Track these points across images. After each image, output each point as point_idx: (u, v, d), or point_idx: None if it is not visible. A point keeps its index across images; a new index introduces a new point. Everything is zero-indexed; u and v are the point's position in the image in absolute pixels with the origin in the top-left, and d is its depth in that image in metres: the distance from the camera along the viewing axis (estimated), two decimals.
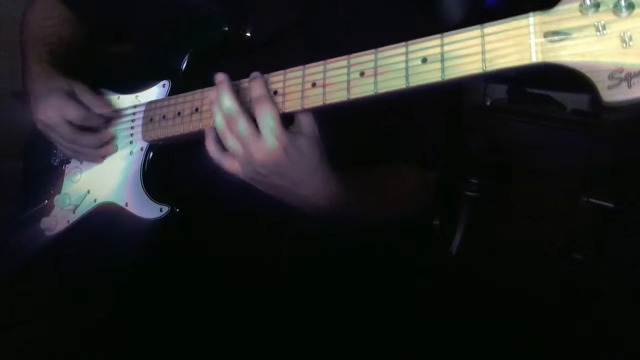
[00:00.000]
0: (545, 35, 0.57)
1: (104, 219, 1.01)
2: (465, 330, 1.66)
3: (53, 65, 1.07)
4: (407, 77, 0.66)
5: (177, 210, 0.92)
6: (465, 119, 1.98)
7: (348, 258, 1.04)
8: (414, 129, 0.97)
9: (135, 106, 1.02)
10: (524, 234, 2.03)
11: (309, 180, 0.78)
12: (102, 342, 0.96)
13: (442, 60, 0.63)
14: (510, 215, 2.09)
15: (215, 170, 0.81)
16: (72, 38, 1.17)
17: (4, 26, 1.79)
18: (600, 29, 0.54)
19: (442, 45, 0.64)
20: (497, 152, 2.11)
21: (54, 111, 0.99)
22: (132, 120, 1.01)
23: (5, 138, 1.47)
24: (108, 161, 1.04)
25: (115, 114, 1.04)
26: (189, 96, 0.90)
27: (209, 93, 0.80)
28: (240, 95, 0.78)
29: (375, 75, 0.69)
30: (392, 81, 0.67)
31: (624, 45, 0.53)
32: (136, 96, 1.03)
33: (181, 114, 0.90)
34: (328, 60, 0.73)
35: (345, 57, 0.72)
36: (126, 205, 0.97)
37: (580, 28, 0.56)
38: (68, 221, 1.06)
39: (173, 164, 0.99)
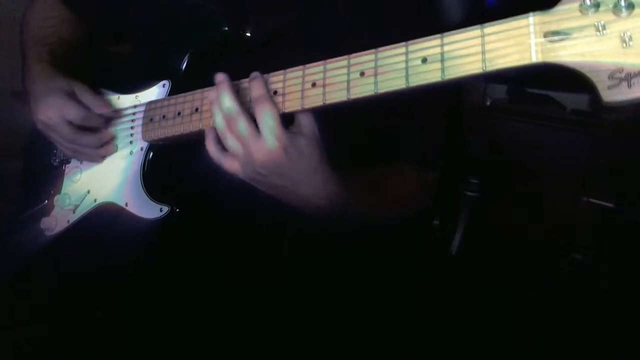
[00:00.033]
0: (545, 35, 0.57)
1: (104, 219, 1.01)
2: (465, 330, 1.66)
3: (53, 65, 1.07)
4: (407, 77, 0.66)
5: (177, 210, 0.92)
6: (465, 119, 1.97)
7: (348, 258, 1.04)
8: (414, 129, 0.97)
9: (135, 106, 1.02)
10: (524, 234, 2.03)
11: (309, 180, 0.78)
12: (102, 342, 0.96)
13: (442, 60, 0.63)
14: (510, 215, 2.09)
15: (215, 170, 0.81)
16: (72, 38, 1.17)
17: (4, 26, 1.79)
18: (600, 29, 0.54)
19: (442, 45, 0.64)
20: (497, 152, 2.11)
21: (54, 111, 0.99)
22: (132, 121, 1.01)
23: (5, 138, 1.47)
24: (108, 161, 1.04)
25: (115, 114, 1.04)
26: (188, 96, 0.90)
27: (209, 93, 0.80)
28: (240, 95, 0.77)
29: (375, 75, 0.68)
30: (392, 81, 0.67)
31: (624, 45, 0.53)
32: (136, 96, 1.03)
33: (181, 114, 0.90)
34: (328, 60, 0.73)
35: (345, 57, 0.72)
36: (126, 205, 0.97)
37: (580, 28, 0.56)
38: (68, 221, 1.06)
39: (173, 164, 0.99)
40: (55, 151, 1.14)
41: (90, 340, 0.96)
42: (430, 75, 0.64)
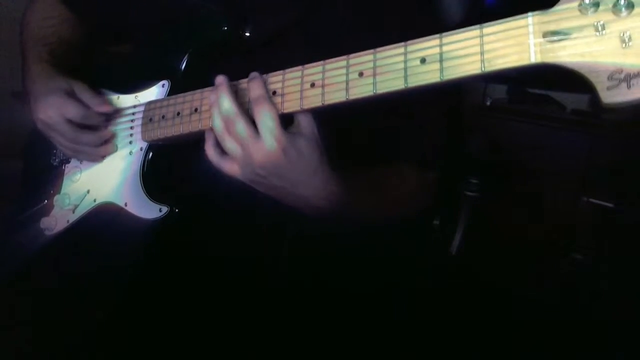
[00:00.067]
0: (545, 35, 0.57)
1: (104, 219, 1.01)
2: (465, 330, 1.66)
3: (53, 65, 1.07)
4: (405, 77, 0.66)
5: (177, 210, 0.92)
6: (465, 119, 1.98)
7: (348, 258, 1.04)
8: (414, 129, 0.97)
9: (134, 106, 1.02)
10: (524, 234, 2.03)
11: (308, 181, 0.77)
12: (102, 342, 0.96)
13: (441, 61, 0.63)
14: (510, 215, 2.09)
15: (215, 171, 0.81)
16: (72, 38, 1.17)
17: (4, 26, 1.79)
18: (600, 29, 0.54)
19: (440, 46, 0.63)
20: (497, 152, 2.11)
21: (53, 110, 0.99)
22: (132, 120, 1.01)
23: (5, 138, 1.47)
24: (107, 161, 1.04)
25: (115, 114, 1.04)
26: (188, 96, 0.90)
27: (208, 95, 0.80)
28: (239, 96, 0.77)
29: (374, 75, 0.68)
30: (391, 82, 0.67)
31: (624, 45, 0.53)
32: (136, 96, 1.03)
33: (180, 114, 0.90)
34: (327, 61, 0.73)
35: (344, 57, 0.71)
36: (125, 205, 0.97)
37: (580, 28, 0.55)
38: (68, 221, 1.06)
39: (172, 164, 0.99)
40: (55, 151, 1.14)
41: (90, 340, 0.96)
42: (429, 75, 0.64)
